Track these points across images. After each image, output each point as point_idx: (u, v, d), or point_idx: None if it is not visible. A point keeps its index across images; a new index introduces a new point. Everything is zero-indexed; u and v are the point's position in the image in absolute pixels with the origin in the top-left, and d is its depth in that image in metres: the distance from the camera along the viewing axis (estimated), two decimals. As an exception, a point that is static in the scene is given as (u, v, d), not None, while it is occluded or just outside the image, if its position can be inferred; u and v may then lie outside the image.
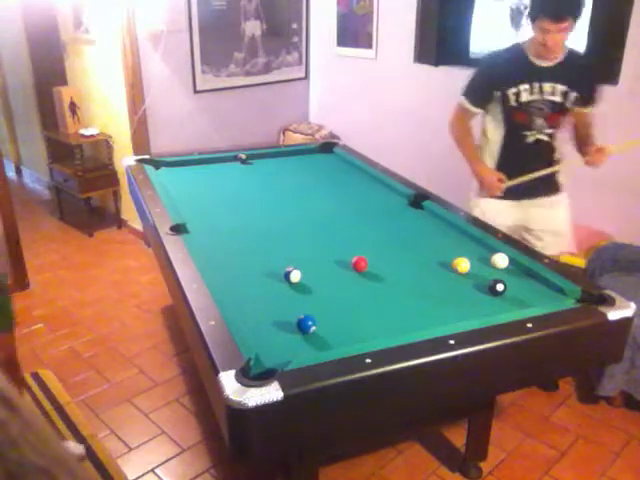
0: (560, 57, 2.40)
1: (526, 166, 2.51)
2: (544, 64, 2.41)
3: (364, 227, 2.42)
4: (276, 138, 4.82)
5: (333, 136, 4.57)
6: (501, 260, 2.04)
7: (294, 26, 4.67)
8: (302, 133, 4.67)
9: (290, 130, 4.76)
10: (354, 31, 4.35)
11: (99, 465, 2.24)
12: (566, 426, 2.50)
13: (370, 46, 4.25)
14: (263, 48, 4.54)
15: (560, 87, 2.43)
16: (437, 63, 3.87)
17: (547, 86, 2.43)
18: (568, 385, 2.72)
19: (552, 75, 2.43)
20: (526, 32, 3.59)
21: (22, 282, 3.64)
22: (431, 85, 3.95)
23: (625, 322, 1.75)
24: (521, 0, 3.53)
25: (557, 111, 2.48)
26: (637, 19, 2.87)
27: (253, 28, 4.44)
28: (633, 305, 1.76)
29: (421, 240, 2.31)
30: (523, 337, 1.62)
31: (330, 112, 4.80)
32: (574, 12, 2.26)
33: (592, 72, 2.54)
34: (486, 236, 2.23)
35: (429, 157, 4.06)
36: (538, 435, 2.45)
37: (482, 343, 1.58)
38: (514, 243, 2.20)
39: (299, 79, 4.85)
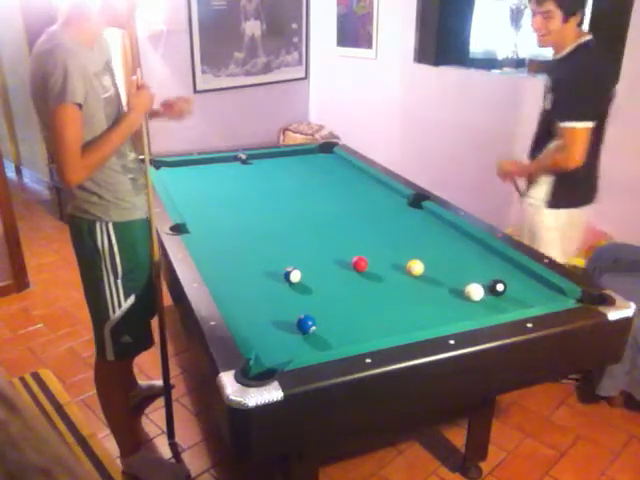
0: (563, 53, 2.32)
1: None
2: (556, 56, 2.36)
3: (364, 227, 2.42)
4: (276, 138, 4.82)
5: (333, 136, 4.57)
6: (475, 293, 1.83)
7: (294, 26, 4.67)
8: (302, 133, 4.67)
9: (290, 130, 4.76)
10: (354, 31, 4.35)
11: (99, 465, 2.24)
12: (566, 426, 2.50)
13: (370, 46, 4.25)
14: (263, 48, 4.55)
15: (548, 84, 2.39)
16: (437, 63, 3.87)
17: (547, 79, 2.41)
18: (568, 385, 2.72)
19: (550, 69, 2.41)
20: (526, 32, 3.59)
21: (22, 282, 3.64)
22: (431, 85, 3.96)
23: (625, 322, 1.75)
24: (521, 0, 3.53)
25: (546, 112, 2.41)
26: (637, 19, 2.87)
27: (253, 28, 4.44)
28: (633, 305, 1.76)
29: (421, 240, 2.31)
30: (523, 337, 1.62)
31: (330, 112, 4.81)
32: None
33: (570, 79, 2.27)
34: (486, 236, 2.23)
35: (429, 157, 4.06)
36: (538, 435, 2.45)
37: (482, 343, 1.58)
38: (514, 243, 2.20)
39: (299, 79, 4.85)
